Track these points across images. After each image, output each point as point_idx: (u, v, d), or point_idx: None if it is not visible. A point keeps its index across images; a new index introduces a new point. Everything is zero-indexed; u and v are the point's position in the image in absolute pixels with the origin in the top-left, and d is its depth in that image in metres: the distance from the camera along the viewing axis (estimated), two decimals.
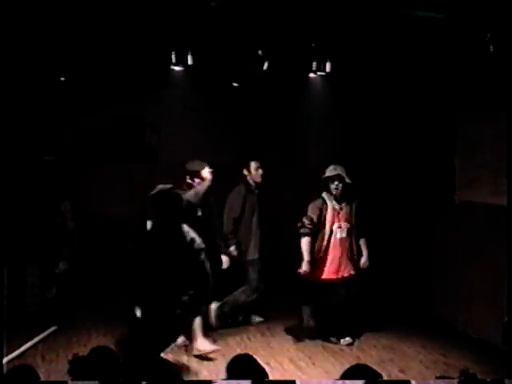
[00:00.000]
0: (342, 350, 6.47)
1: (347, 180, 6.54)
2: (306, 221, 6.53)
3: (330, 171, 6.58)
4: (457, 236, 7.21)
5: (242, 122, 8.67)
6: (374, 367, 3.22)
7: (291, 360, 6.12)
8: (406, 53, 6.97)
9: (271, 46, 7.30)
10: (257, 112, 8.66)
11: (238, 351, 5.98)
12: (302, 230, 6.55)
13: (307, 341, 6.68)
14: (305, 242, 6.54)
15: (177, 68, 7.82)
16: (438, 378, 3.84)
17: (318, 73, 7.86)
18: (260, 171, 7.18)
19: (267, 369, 3.44)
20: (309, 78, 8.11)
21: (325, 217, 6.56)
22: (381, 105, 8.19)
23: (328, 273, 6.58)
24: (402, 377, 5.64)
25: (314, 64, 7.72)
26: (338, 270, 6.58)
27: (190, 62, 7.58)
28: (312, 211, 6.58)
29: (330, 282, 6.56)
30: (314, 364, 6.05)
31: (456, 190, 7.26)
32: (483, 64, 6.36)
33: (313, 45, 7.26)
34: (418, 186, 7.77)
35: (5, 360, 5.24)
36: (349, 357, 6.19)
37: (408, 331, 6.95)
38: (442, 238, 7.52)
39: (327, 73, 7.78)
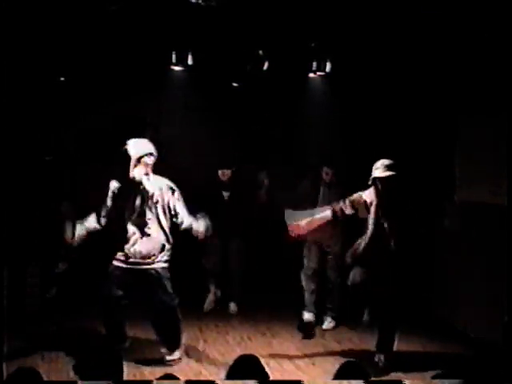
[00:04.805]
0: (342, 350, 6.47)
1: None
2: None
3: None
4: (457, 236, 7.20)
5: (243, 122, 8.66)
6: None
7: (291, 360, 6.10)
8: (407, 53, 6.97)
9: (271, 45, 7.31)
10: (257, 112, 8.65)
11: (238, 351, 5.99)
12: None
13: (307, 341, 6.68)
14: None
15: (177, 68, 7.83)
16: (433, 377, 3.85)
17: (318, 73, 7.88)
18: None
19: (267, 369, 3.44)
20: (309, 77, 8.12)
21: None
22: (381, 105, 8.18)
23: None
24: (401, 377, 5.62)
25: (314, 64, 7.73)
26: None
27: (190, 61, 7.60)
28: None
29: None
30: (313, 364, 6.03)
31: (456, 189, 7.25)
32: (484, 65, 6.37)
33: (313, 45, 7.28)
34: (418, 185, 7.76)
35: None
36: (349, 357, 6.17)
37: (408, 331, 6.94)
38: (442, 238, 7.51)
39: (327, 73, 7.79)
